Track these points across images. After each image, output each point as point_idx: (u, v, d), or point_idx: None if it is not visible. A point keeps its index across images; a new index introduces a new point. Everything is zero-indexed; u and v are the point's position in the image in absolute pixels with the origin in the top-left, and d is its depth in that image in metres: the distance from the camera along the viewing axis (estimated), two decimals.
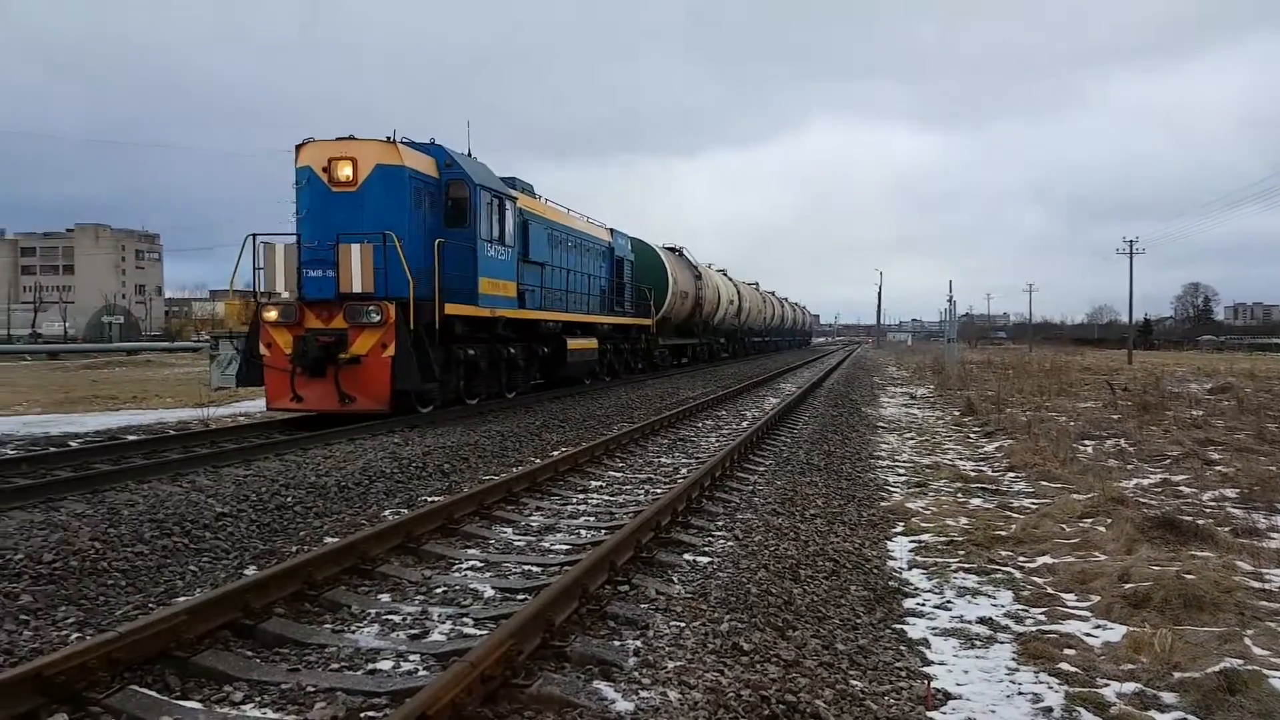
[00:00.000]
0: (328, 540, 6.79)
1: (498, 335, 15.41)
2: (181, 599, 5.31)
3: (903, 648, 5.04)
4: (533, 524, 7.45)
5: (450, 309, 13.29)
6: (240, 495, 7.90)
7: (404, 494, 8.84)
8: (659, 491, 8.70)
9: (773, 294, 58.35)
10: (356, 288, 12.39)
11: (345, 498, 8.46)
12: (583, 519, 7.67)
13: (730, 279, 40.44)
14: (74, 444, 11.45)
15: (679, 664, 4.19)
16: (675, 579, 5.77)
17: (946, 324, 50.21)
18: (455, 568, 6.13)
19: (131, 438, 11.38)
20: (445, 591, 5.55)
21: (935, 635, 5.29)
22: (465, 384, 14.61)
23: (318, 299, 12.69)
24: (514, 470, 9.60)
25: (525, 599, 5.32)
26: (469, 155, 15.33)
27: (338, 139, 13.11)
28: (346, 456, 9.94)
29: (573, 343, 18.54)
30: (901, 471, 11.09)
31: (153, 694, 3.91)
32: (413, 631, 4.86)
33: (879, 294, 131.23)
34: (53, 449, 10.93)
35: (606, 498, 8.59)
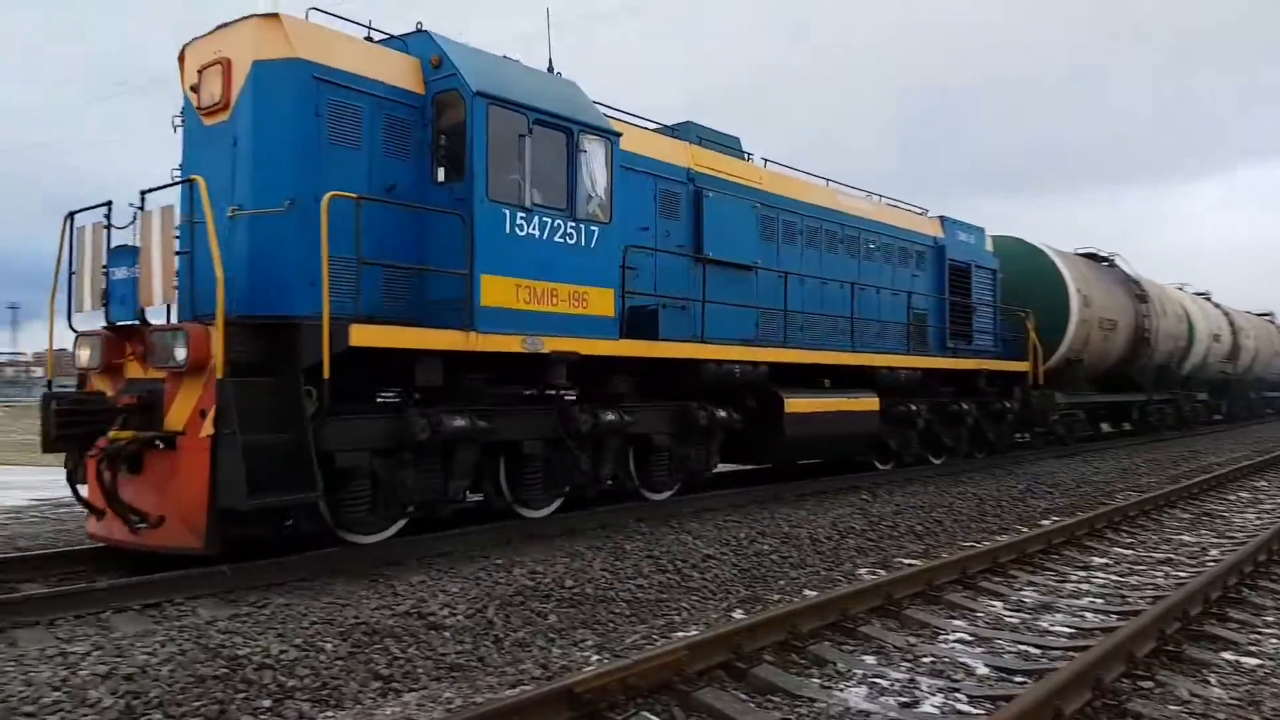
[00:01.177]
0: (807, 593, 6.80)
1: (591, 388, 8.74)
2: (679, 634, 5.64)
3: None
4: (1025, 600, 6.75)
5: (363, 337, 6.73)
6: (722, 539, 8.30)
7: (877, 553, 8.61)
8: (1182, 575, 7.41)
9: None
10: (155, 300, 6.74)
11: (818, 551, 8.47)
12: (1086, 599, 6.77)
13: (1216, 304, 28.19)
14: None
15: None
16: (1213, 680, 4.88)
17: None
18: (940, 638, 5.74)
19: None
20: (932, 662, 5.21)
21: None
22: (510, 484, 8.24)
23: (124, 322, 7.12)
24: (997, 539, 8.88)
25: (1025, 682, 4.80)
26: (554, 72, 9.03)
27: (215, 29, 7.40)
28: (815, 510, 10.01)
29: (796, 402, 10.90)
30: None
31: None
32: (902, 699, 4.60)
33: None
34: None
35: (1114, 578, 7.51)
